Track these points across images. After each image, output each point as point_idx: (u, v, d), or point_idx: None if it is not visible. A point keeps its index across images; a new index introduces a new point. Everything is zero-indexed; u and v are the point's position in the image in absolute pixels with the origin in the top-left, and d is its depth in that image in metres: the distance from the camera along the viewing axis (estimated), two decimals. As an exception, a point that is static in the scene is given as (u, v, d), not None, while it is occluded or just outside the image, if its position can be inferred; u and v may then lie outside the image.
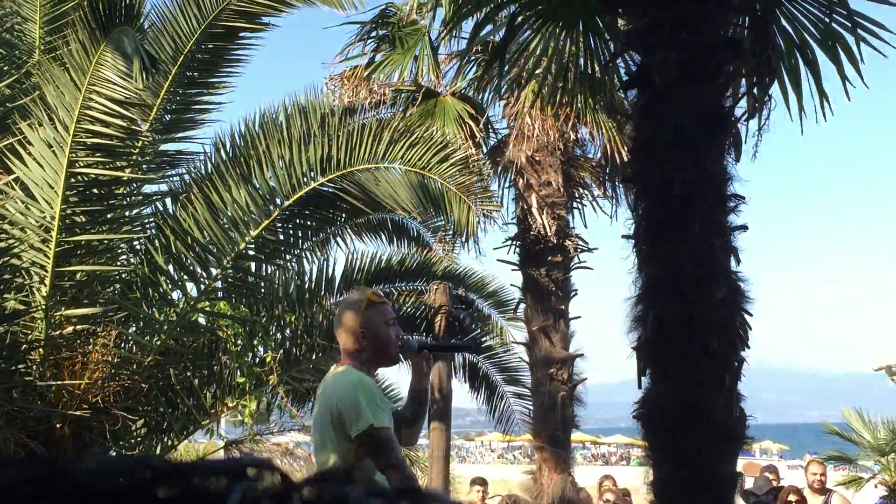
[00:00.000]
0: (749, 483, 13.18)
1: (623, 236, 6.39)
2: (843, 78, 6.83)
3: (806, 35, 6.77)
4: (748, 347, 6.13)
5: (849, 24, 6.63)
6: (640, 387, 6.19)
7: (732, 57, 6.42)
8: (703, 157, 6.09)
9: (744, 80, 6.97)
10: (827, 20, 6.66)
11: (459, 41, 14.15)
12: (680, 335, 5.96)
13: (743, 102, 7.01)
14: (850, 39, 6.70)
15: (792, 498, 10.76)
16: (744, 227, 6.25)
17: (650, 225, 6.20)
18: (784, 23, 6.76)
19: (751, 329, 6.14)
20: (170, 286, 9.89)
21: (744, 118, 6.85)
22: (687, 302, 5.96)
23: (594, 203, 14.87)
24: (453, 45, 14.33)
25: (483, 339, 14.24)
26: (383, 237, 12.72)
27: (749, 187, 7.17)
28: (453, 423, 13.79)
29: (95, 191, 9.09)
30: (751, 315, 6.15)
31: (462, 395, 14.69)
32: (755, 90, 6.93)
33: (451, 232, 13.00)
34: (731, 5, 6.57)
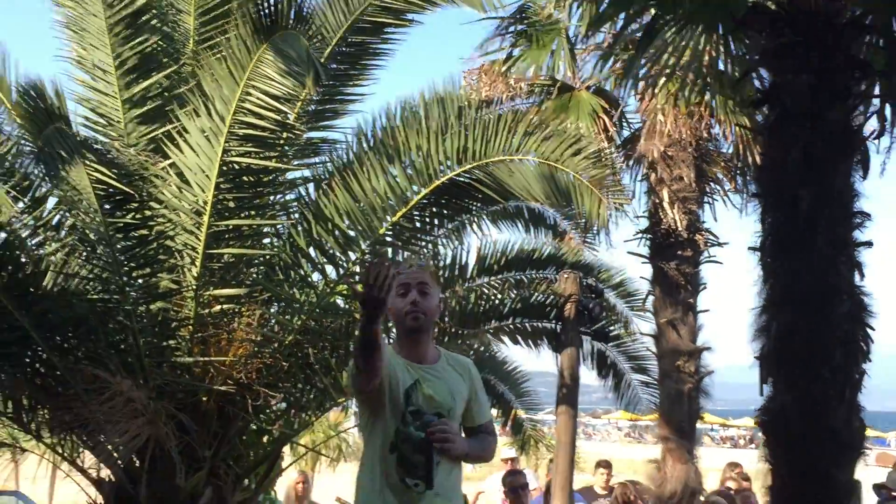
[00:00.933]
0: (883, 475, 12.95)
1: (749, 248, 6.46)
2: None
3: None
4: (870, 360, 6.18)
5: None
6: (761, 394, 6.29)
7: (862, 77, 6.43)
8: (831, 175, 6.15)
9: (876, 100, 6.91)
10: None
11: (596, 34, 14.24)
12: (803, 347, 6.05)
13: (873, 120, 6.95)
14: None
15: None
16: (868, 244, 6.30)
17: (776, 239, 6.30)
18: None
19: (873, 342, 6.18)
20: (310, 269, 10.25)
21: (873, 136, 6.80)
22: (810, 315, 6.04)
23: (725, 198, 14.84)
24: (589, 39, 14.40)
25: (611, 329, 14.36)
26: (520, 225, 12.87)
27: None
28: (581, 400, 13.90)
29: (245, 178, 9.47)
30: (873, 329, 6.19)
31: (591, 373, 14.81)
32: (886, 109, 6.88)
33: (583, 223, 13.11)
34: (863, 27, 6.56)
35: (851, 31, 6.46)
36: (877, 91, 6.89)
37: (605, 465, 14.68)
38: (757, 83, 7.11)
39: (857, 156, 6.40)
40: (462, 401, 4.92)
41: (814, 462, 5.98)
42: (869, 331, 6.18)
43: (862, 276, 6.27)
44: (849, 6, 6.55)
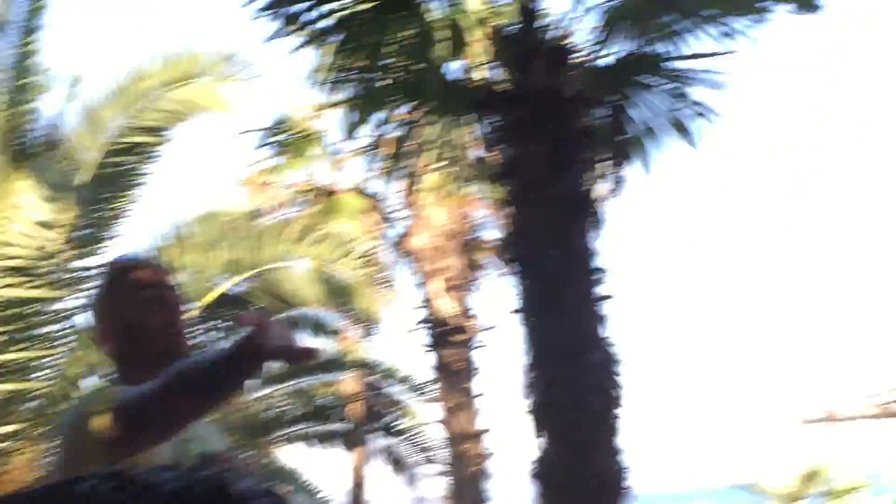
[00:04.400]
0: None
1: (511, 311, 6.57)
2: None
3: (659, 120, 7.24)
4: (621, 406, 6.27)
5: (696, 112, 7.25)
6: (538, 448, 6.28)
7: (588, 145, 6.76)
8: (569, 236, 6.35)
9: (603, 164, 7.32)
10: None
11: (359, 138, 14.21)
12: (564, 398, 6.16)
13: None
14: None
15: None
16: (607, 297, 6.45)
17: (531, 300, 6.40)
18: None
19: (622, 389, 6.30)
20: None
21: (606, 198, 7.11)
22: (567, 367, 6.16)
23: (498, 280, 14.83)
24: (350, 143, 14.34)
25: (395, 424, 14.00)
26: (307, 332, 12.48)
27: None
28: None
29: (10, 311, 8.82)
30: (619, 376, 6.34)
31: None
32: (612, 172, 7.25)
33: (360, 321, 12.86)
34: (586, 100, 6.86)
35: (574, 105, 6.75)
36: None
37: None
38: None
39: (591, 217, 6.52)
40: None
41: None
42: (617, 378, 6.28)
43: (604, 328, 6.39)
44: (573, 83, 6.81)
